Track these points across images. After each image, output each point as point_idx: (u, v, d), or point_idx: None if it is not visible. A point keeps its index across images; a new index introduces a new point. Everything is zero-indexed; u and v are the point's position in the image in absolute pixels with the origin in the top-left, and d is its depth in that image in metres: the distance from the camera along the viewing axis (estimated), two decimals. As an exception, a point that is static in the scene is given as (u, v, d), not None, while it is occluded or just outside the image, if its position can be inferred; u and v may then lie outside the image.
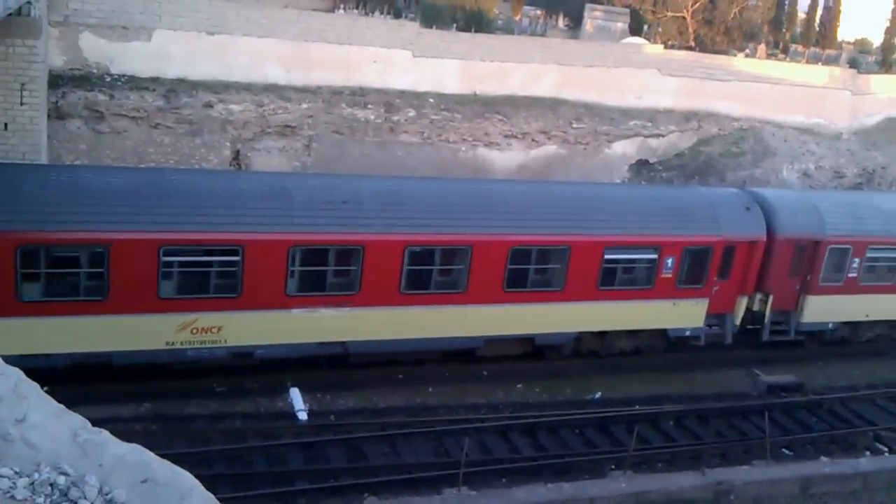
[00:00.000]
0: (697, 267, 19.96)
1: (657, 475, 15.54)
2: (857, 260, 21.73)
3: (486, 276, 17.86)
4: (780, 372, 20.99)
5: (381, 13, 45.04)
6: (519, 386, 19.22)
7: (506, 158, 32.81)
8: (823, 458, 16.83)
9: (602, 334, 20.04)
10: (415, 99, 31.66)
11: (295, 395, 17.12)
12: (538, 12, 64.25)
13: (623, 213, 19.60)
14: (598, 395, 19.30)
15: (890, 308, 22.82)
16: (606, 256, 18.92)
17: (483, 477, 15.00)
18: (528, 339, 19.37)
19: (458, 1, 48.67)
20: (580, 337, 19.77)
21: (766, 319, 21.38)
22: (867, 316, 22.70)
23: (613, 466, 15.94)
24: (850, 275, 21.78)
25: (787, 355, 22.08)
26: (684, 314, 20.20)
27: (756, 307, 21.28)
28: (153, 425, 15.51)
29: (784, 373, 20.95)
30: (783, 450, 17.58)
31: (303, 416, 16.58)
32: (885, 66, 71.66)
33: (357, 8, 46.98)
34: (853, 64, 67.83)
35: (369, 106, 30.08)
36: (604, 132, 35.37)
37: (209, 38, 28.29)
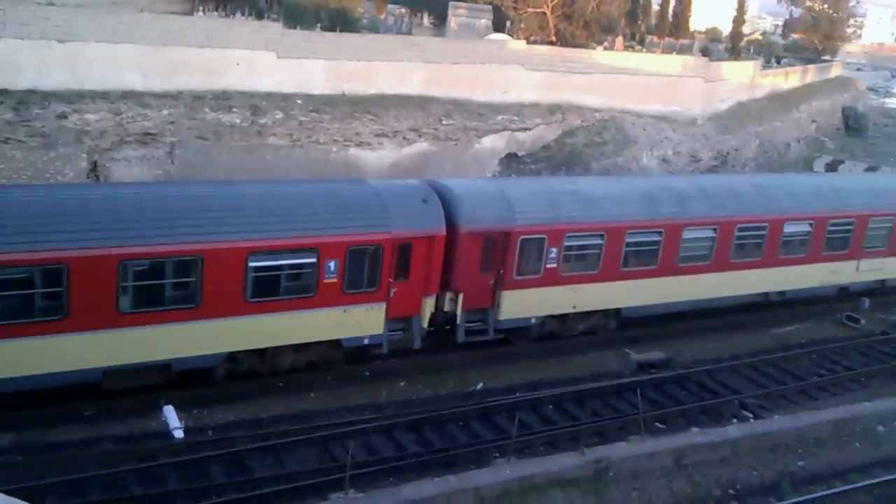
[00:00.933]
0: (368, 268, 18.02)
1: (540, 458, 15.91)
2: (554, 249, 20.34)
3: (96, 297, 15.32)
4: (649, 349, 21.86)
5: (243, 15, 44.00)
6: (402, 384, 19.28)
7: (378, 157, 32.76)
8: (694, 429, 17.63)
9: (262, 351, 17.87)
10: (282, 101, 31.15)
11: (169, 413, 16.52)
12: (403, 11, 64.48)
13: (271, 213, 17.15)
14: (480, 385, 19.59)
15: (600, 298, 21.69)
16: (252, 264, 16.59)
17: (370, 478, 14.98)
18: (164, 366, 16.66)
19: (322, 1, 48.21)
20: (235, 357, 17.46)
21: (459, 320, 19.79)
22: (574, 308, 21.41)
23: (497, 454, 16.23)
24: (548, 266, 20.36)
25: (655, 333, 23.02)
26: (358, 322, 18.24)
27: (447, 307, 19.69)
28: (17, 456, 14.68)
29: (653, 350, 21.83)
30: (657, 424, 18.36)
31: (179, 434, 16.02)
32: (734, 53, 75.68)
33: (217, 10, 45.73)
34: (705, 52, 71.38)
35: (234, 109, 29.37)
36: (473, 128, 35.85)
37: (60, 45, 26.91)
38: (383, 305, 18.51)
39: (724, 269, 23.22)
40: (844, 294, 26.67)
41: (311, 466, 15.36)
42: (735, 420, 18.68)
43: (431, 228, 18.76)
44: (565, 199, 21.11)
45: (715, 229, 22.79)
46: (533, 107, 38.41)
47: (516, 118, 37.53)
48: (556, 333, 21.88)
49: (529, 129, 37.91)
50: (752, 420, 18.74)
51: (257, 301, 16.94)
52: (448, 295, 19.62)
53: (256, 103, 29.93)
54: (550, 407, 18.69)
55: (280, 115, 30.61)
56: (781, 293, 25.12)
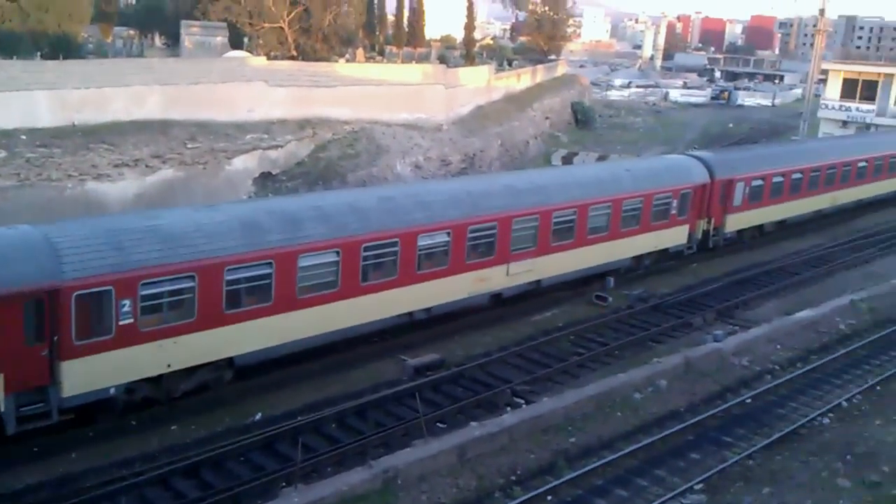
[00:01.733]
0: None
1: (328, 480, 15.66)
2: (127, 302, 16.80)
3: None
4: (423, 353, 22.31)
5: (-55, 46, 39.78)
6: (174, 427, 18.21)
7: (120, 189, 30.85)
8: (473, 423, 18.17)
9: None
10: (3, 138, 28.44)
11: None
12: (132, 33, 61.31)
13: None
14: (259, 416, 18.97)
15: (203, 349, 18.41)
16: None
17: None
18: None
19: (39, 27, 44.68)
20: None
21: (3, 406, 15.62)
22: (170, 366, 17.99)
23: (284, 483, 15.79)
24: (123, 322, 16.78)
25: (427, 336, 23.54)
26: None
27: None
28: None
29: (428, 352, 22.31)
30: (438, 424, 18.73)
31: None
32: (468, 59, 79.37)
33: (-88, 42, 41.01)
34: (442, 60, 74.28)
35: (-55, 153, 26.43)
36: (221, 149, 34.82)
37: None
38: None
39: (355, 295, 20.77)
40: (499, 301, 25.43)
41: (80, 533, 14.07)
42: (509, 408, 19.48)
43: None
44: (140, 239, 17.30)
45: (338, 252, 20.25)
46: (282, 123, 38.00)
47: (266, 136, 36.94)
48: (153, 399, 18.36)
49: (281, 147, 37.46)
50: (524, 406, 19.63)
51: None
52: None
53: (-29, 143, 27.11)
54: (334, 425, 18.48)
55: (3, 153, 27.95)
56: (427, 310, 23.14)
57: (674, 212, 30.19)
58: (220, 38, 54.74)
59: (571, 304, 27.29)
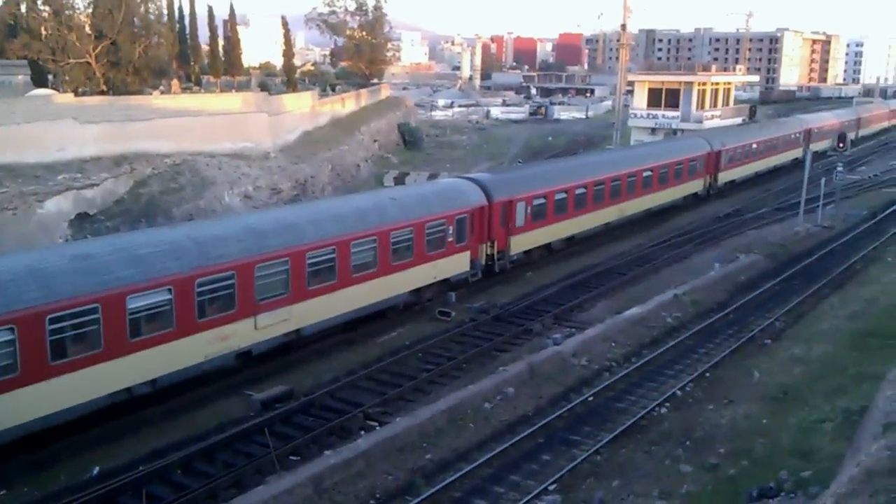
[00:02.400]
0: None
1: (178, 530, 14.86)
2: None
3: None
4: (269, 386, 21.68)
5: None
6: (3, 492, 16.68)
7: (-83, 244, 28.14)
8: (327, 452, 17.83)
9: None
10: None
11: None
12: (-82, 74, 56.27)
13: None
14: (97, 470, 17.71)
15: None
16: None
17: None
18: None
19: None
20: None
21: None
22: None
23: (130, 541, 14.81)
24: None
25: (272, 368, 22.90)
26: None
27: None
28: None
29: (275, 385, 21.69)
30: (291, 457, 18.22)
31: None
32: (290, 85, 78.60)
33: None
34: (264, 87, 73.25)
35: None
36: (31, 192, 32.59)
37: None
38: None
39: (42, 378, 17.33)
40: (250, 360, 22.52)
41: None
42: (363, 432, 19.26)
43: None
44: None
45: (12, 329, 16.71)
46: (96, 161, 36.08)
47: (79, 175, 34.93)
48: None
49: (97, 185, 35.52)
50: (378, 428, 19.46)
51: None
52: None
53: None
54: (180, 471, 17.57)
55: None
56: (152, 383, 19.76)
57: (451, 239, 28.31)
58: (22, 77, 51.36)
59: (416, 322, 27.45)
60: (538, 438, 19.18)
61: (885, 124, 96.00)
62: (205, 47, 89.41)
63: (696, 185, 48.17)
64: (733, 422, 19.64)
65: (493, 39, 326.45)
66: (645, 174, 41.53)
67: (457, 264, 29.04)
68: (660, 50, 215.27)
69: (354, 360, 24.13)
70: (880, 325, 25.70)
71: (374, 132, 71.68)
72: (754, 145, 55.55)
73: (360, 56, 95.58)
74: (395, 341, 25.77)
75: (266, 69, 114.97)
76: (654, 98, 60.88)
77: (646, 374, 23.18)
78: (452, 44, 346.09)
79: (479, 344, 25.37)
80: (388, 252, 25.81)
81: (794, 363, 23.45)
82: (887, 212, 46.56)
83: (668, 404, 21.05)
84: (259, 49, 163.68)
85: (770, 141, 58.58)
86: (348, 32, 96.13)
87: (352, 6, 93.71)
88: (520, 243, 32.46)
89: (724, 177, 51.30)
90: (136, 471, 17.33)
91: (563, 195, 34.70)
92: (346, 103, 72.33)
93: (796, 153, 62.50)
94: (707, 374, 23.05)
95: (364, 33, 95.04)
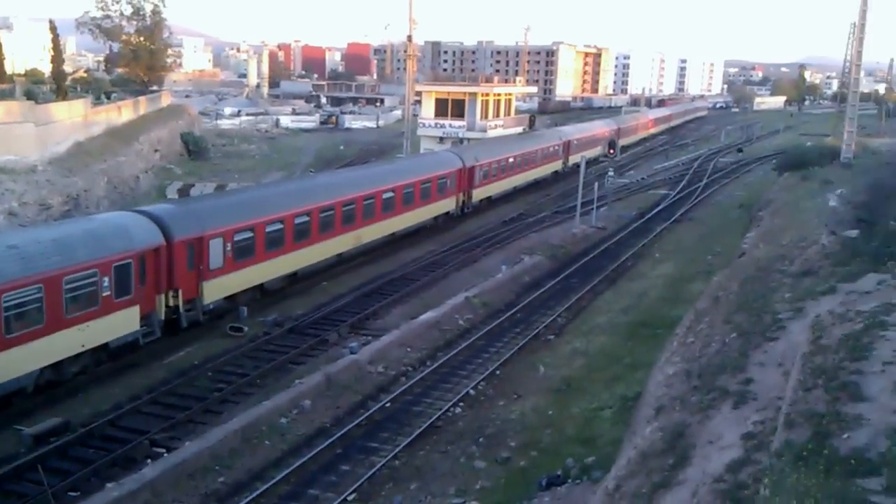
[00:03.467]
0: None
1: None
2: None
3: None
4: (43, 418, 19.95)
5: None
6: None
7: None
8: (109, 485, 16.70)
9: None
10: None
11: None
12: None
13: None
14: None
15: None
16: None
17: None
18: None
19: None
20: None
21: None
22: None
23: None
24: None
25: (45, 399, 21.08)
26: None
27: None
28: None
29: (47, 417, 19.98)
30: (69, 493, 16.90)
31: None
32: (60, 93, 73.13)
33: None
34: (30, 96, 67.60)
35: None
36: None
37: None
38: None
39: None
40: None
41: None
42: (149, 461, 18.21)
43: None
44: None
45: None
46: None
47: None
48: None
49: None
50: (165, 455, 18.47)
51: None
52: None
53: None
54: (-65, 523, 15.78)
55: None
56: None
57: (107, 293, 22.13)
58: None
59: (206, 340, 26.31)
60: (337, 449, 19.06)
61: (646, 133, 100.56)
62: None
63: (447, 205, 44.92)
64: (522, 416, 20.52)
65: (280, 47, 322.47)
66: (385, 195, 37.39)
67: (119, 324, 22.83)
68: (445, 61, 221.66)
69: (139, 383, 22.74)
70: (650, 317, 27.88)
71: (155, 141, 68.31)
72: (511, 159, 53.76)
73: (137, 62, 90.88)
74: (184, 361, 24.57)
75: (33, 76, 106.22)
76: (441, 108, 62.38)
77: (441, 376, 23.70)
78: (238, 51, 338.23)
79: (273, 358, 24.77)
80: None
81: (576, 356, 24.90)
82: (653, 212, 50.72)
83: (462, 404, 21.64)
84: (24, 55, 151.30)
85: (528, 154, 57.54)
86: (124, 38, 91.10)
87: (128, 10, 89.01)
88: (218, 288, 26.84)
89: (478, 193, 48.89)
90: None
91: (279, 225, 29.61)
92: (122, 112, 68.44)
93: (556, 166, 64.11)
94: (497, 372, 23.92)
95: (142, 38, 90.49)
